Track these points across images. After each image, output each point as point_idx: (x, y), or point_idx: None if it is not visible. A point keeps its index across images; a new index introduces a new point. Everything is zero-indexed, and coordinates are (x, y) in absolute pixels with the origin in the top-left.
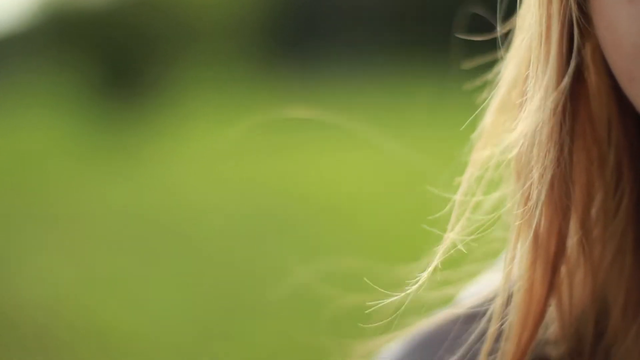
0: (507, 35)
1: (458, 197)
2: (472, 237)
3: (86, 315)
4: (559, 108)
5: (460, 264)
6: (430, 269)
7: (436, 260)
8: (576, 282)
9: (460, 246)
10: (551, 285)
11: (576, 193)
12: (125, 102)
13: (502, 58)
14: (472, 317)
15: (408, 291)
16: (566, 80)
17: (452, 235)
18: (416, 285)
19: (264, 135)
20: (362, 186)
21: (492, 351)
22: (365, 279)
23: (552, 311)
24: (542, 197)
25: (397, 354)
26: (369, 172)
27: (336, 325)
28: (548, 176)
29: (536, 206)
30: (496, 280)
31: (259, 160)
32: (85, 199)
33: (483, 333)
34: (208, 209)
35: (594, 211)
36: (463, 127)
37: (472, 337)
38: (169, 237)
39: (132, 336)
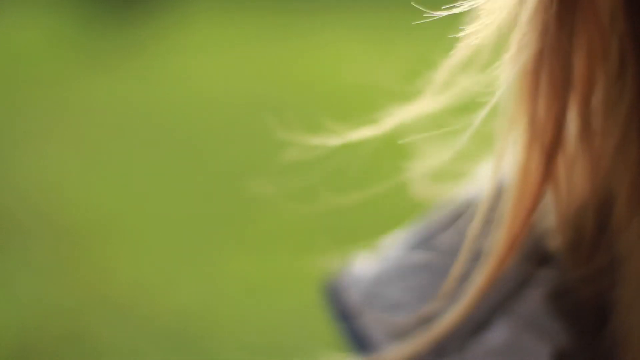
0: None
1: (441, 76)
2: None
3: (88, 204)
4: None
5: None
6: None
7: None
8: (576, 173)
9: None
10: (547, 172)
11: (576, 82)
12: (126, 2)
13: None
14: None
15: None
16: None
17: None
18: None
19: (269, 30)
20: (373, 79)
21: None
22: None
23: (550, 203)
24: (542, 82)
25: (400, 244)
26: (377, 63)
27: (338, 213)
28: (547, 59)
29: (535, 92)
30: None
31: (265, 54)
32: (89, 92)
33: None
34: (212, 103)
35: (594, 102)
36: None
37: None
38: (173, 130)
39: (134, 225)
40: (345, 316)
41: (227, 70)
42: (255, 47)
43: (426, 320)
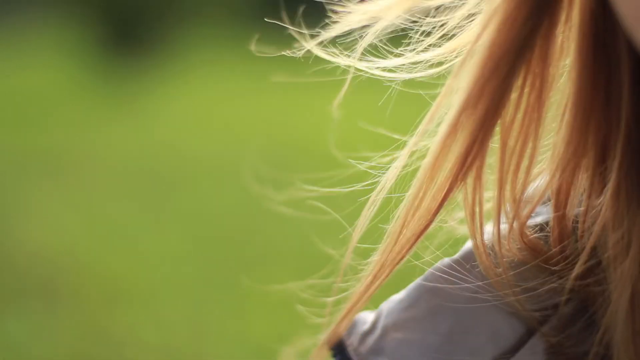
0: None
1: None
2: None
3: (90, 263)
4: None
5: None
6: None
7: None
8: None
9: None
10: (456, 179)
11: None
12: (127, 52)
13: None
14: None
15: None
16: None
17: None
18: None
19: (261, 86)
20: (364, 134)
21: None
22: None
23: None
24: (457, 113)
25: (405, 297)
26: (368, 118)
27: (340, 269)
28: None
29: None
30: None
31: (257, 110)
32: (87, 146)
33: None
34: (209, 157)
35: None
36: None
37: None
38: (171, 186)
39: (136, 284)
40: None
41: (224, 128)
42: (255, 99)
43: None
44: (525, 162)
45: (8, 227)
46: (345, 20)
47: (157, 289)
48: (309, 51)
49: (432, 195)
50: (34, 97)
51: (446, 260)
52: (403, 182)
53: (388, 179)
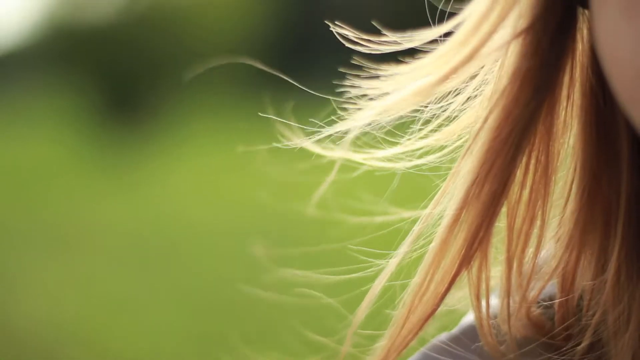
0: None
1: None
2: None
3: (90, 336)
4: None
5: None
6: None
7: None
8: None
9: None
10: (464, 261)
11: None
12: (126, 122)
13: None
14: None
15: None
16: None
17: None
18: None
19: (257, 157)
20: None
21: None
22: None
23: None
24: (465, 195)
25: None
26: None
27: (335, 338)
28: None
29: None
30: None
31: (258, 180)
32: (86, 218)
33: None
34: (207, 228)
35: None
36: None
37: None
38: (172, 257)
39: (135, 354)
40: None
41: (222, 198)
42: (256, 168)
43: None
44: (532, 240)
45: (8, 299)
46: (354, 117)
47: (157, 358)
48: (312, 121)
49: (440, 279)
50: (33, 170)
51: (444, 335)
52: (407, 267)
53: (391, 265)
